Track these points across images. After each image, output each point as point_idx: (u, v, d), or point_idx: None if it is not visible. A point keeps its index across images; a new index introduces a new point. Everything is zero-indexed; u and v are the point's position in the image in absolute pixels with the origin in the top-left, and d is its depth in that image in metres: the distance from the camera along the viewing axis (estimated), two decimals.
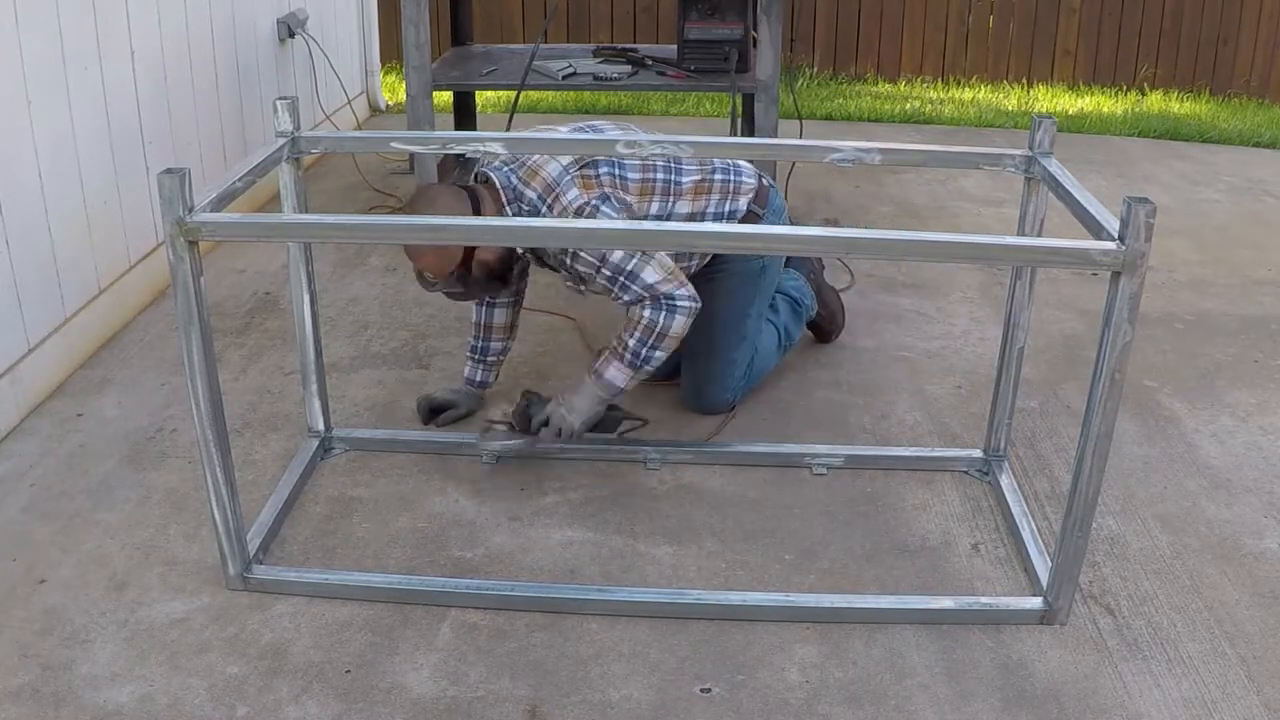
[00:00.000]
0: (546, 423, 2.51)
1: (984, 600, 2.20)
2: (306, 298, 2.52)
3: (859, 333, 3.39)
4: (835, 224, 4.28)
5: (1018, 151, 2.35)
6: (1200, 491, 2.61)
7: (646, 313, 2.44)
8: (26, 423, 2.80)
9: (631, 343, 2.45)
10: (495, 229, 2.13)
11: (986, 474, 2.63)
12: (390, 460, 2.67)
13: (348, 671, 2.03)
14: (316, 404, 2.66)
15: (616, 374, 2.47)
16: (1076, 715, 1.95)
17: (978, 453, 2.66)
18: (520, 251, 2.59)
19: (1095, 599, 2.24)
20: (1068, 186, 2.13)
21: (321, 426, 2.69)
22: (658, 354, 2.46)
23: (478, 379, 2.85)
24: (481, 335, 2.81)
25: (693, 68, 3.88)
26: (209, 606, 2.18)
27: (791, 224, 3.16)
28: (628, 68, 3.98)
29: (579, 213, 2.45)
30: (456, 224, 2.15)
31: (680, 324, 2.45)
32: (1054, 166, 2.25)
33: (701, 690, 2.00)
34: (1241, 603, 2.24)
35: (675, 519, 2.48)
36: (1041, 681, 2.03)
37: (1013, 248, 2.03)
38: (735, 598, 2.20)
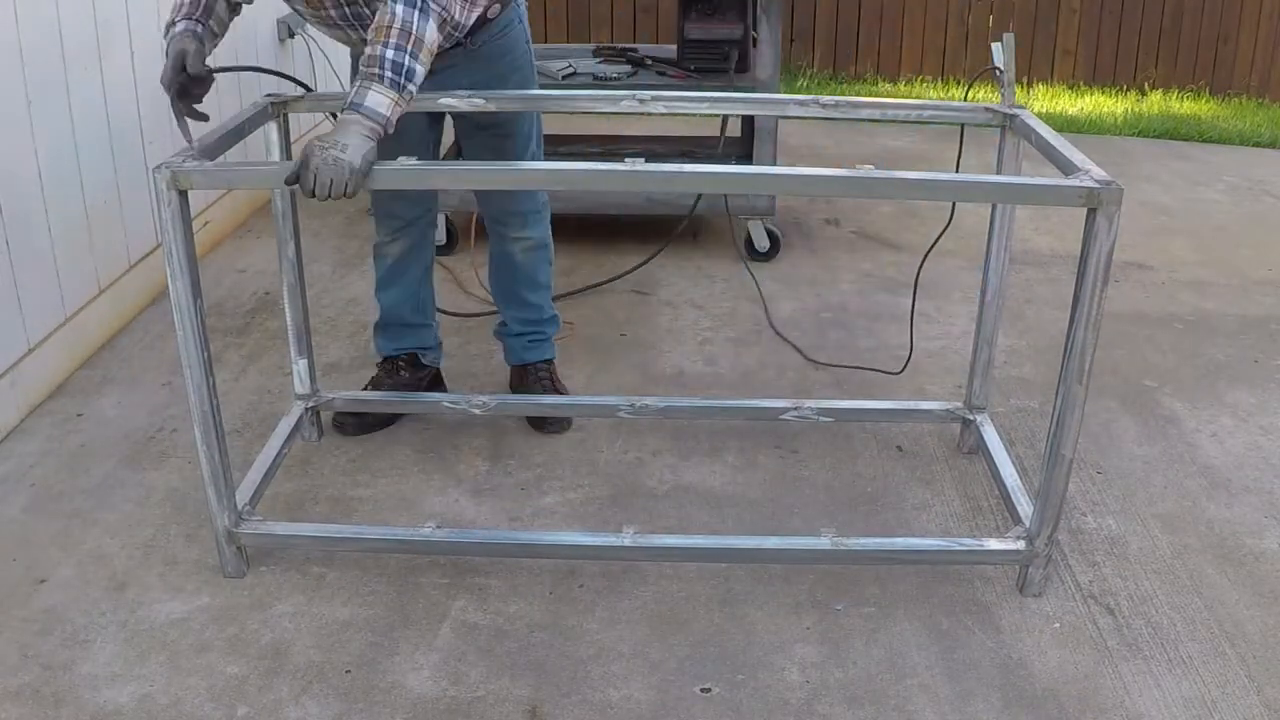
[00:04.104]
0: (314, 175, 1.97)
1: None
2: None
3: (859, 333, 3.39)
4: (836, 224, 4.29)
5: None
6: (1200, 491, 2.61)
7: (399, 8, 2.05)
8: (26, 423, 2.80)
9: (390, 54, 2.04)
10: None
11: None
12: (390, 460, 2.67)
13: (348, 671, 2.03)
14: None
15: (379, 98, 2.04)
16: (1076, 715, 1.95)
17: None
18: None
19: (1095, 599, 2.24)
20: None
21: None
22: (419, 67, 2.08)
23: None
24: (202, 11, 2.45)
25: (693, 68, 3.88)
26: (209, 606, 2.18)
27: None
28: (627, 68, 3.98)
29: None
30: None
31: (434, 30, 2.10)
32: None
33: (701, 690, 2.00)
34: (1241, 603, 2.24)
35: (675, 519, 2.48)
36: (1041, 681, 2.03)
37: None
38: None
